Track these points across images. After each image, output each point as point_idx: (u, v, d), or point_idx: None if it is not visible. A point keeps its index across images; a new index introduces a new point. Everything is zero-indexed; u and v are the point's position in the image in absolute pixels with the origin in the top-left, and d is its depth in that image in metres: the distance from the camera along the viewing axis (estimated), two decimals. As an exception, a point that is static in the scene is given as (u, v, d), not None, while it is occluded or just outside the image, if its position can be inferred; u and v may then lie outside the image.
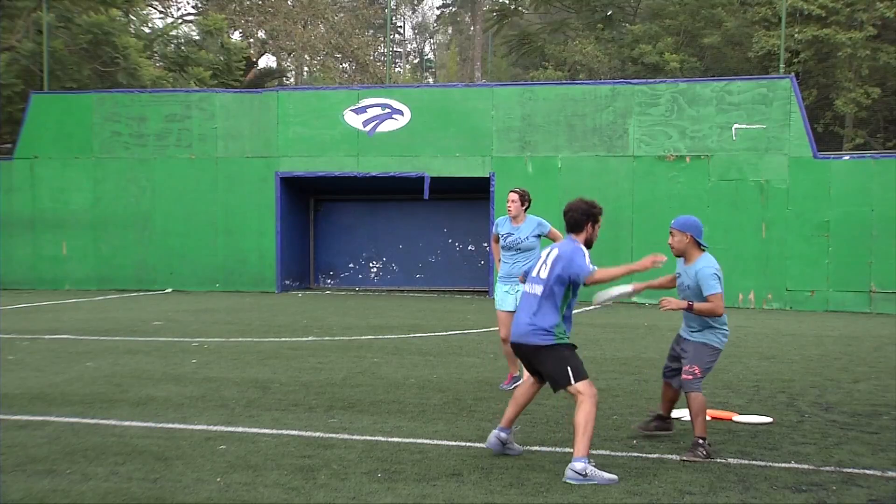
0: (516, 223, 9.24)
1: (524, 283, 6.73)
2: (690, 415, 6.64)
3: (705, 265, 6.71)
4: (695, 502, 5.50)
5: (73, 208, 22.59)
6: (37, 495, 5.45)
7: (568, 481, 5.81)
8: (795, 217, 19.53)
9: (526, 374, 6.68)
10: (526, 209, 9.30)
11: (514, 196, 9.28)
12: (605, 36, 36.35)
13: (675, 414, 7.41)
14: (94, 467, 6.07)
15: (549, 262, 6.37)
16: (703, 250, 6.85)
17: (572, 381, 6.15)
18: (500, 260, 9.36)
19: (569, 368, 6.19)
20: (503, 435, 6.49)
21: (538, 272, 6.43)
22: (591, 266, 6.24)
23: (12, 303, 18.65)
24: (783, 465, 6.35)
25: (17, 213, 22.70)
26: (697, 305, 6.62)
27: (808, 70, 31.36)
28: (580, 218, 6.46)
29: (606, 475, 5.86)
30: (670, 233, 6.87)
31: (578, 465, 5.83)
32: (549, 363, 6.26)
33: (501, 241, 9.31)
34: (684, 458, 6.44)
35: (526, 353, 6.40)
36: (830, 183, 19.44)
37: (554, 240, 8.99)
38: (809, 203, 19.49)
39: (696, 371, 6.67)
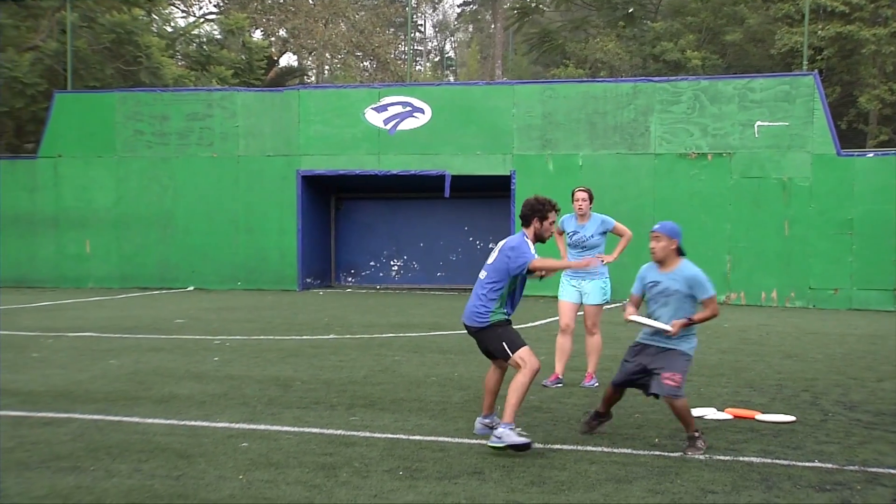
0: (582, 221, 9.36)
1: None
2: (680, 419, 6.60)
3: (696, 270, 6.68)
4: (717, 501, 5.47)
5: (96, 207, 22.74)
6: (61, 492, 5.49)
7: (489, 444, 6.43)
8: (818, 215, 19.39)
9: (493, 363, 7.08)
10: (590, 207, 9.47)
11: (584, 195, 9.46)
12: (627, 33, 36.24)
13: (696, 413, 7.38)
14: (117, 464, 6.10)
15: (496, 252, 6.91)
16: (682, 257, 6.79)
17: (510, 353, 6.68)
18: (566, 254, 9.60)
19: (503, 343, 6.71)
20: (486, 420, 7.00)
21: (489, 259, 6.95)
22: (533, 255, 6.71)
23: (36, 300, 18.80)
24: (807, 464, 6.30)
25: (42, 212, 22.88)
26: (697, 317, 6.61)
27: (831, 67, 31.15)
28: (526, 213, 6.95)
29: (518, 438, 6.36)
30: (654, 237, 6.76)
31: (499, 430, 6.43)
32: (488, 341, 6.80)
33: (567, 239, 9.55)
34: (688, 453, 6.48)
35: (470, 333, 6.94)
36: (854, 180, 19.30)
37: (619, 234, 9.26)
38: (833, 201, 19.35)
39: (678, 378, 6.53)
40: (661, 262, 6.80)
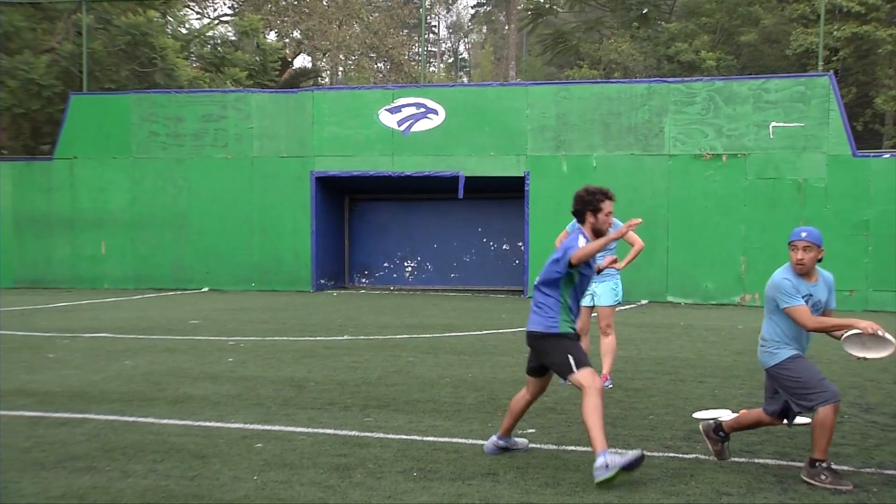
0: None
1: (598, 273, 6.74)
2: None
3: (831, 276, 6.18)
4: (732, 503, 5.45)
5: (112, 208, 22.85)
6: (77, 492, 5.52)
7: (598, 478, 5.65)
8: (834, 216, 19.31)
9: (528, 382, 6.52)
10: None
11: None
12: (641, 34, 36.15)
13: (711, 414, 7.36)
14: (132, 464, 6.12)
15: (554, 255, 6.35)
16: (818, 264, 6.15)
17: (574, 369, 6.00)
18: None
19: (569, 356, 6.06)
20: (501, 442, 6.51)
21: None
22: (575, 247, 6.11)
23: (53, 301, 18.89)
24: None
25: (57, 213, 23.00)
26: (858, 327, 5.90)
27: (847, 67, 31.02)
28: (578, 208, 6.39)
29: (629, 456, 5.68)
30: (803, 247, 5.95)
31: (599, 461, 5.67)
32: (551, 352, 6.17)
33: None
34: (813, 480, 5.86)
35: (531, 342, 6.31)
36: (870, 181, 19.22)
37: (631, 243, 9.20)
38: (848, 202, 19.28)
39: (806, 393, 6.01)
40: (807, 274, 6.05)
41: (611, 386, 9.11)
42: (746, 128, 19.92)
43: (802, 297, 5.96)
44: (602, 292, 9.32)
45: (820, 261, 6.06)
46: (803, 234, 5.97)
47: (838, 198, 19.34)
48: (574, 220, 9.51)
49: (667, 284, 19.97)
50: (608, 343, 9.38)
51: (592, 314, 9.48)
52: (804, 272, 6.02)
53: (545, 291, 6.25)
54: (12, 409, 7.86)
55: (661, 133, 20.39)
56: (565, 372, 6.05)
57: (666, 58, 34.54)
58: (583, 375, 5.96)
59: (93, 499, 5.40)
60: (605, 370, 9.31)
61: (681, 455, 6.52)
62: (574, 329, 6.24)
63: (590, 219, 6.32)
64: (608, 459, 5.64)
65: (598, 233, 6.31)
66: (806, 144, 19.57)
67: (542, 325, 6.18)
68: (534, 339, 6.26)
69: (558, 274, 6.17)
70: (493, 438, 6.56)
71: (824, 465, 5.78)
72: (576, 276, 6.23)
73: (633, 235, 9.37)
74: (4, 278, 23.02)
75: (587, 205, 6.32)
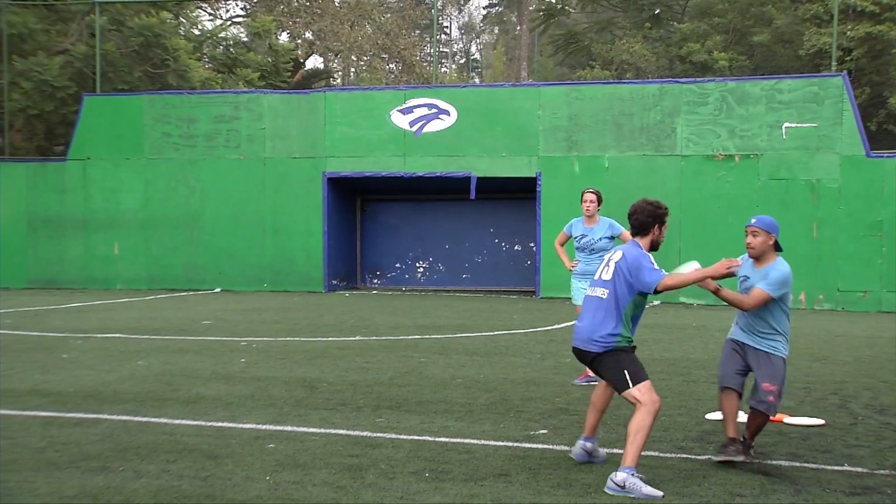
0: (590, 224, 9.38)
1: None
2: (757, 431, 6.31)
3: (782, 267, 6.26)
4: (745, 505, 5.44)
5: (124, 209, 22.93)
6: (91, 492, 5.54)
7: (607, 490, 5.62)
8: (847, 216, 19.24)
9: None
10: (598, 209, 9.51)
11: (592, 196, 9.47)
12: (653, 35, 36.07)
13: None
14: (145, 465, 6.14)
15: (612, 266, 6.08)
16: (778, 254, 6.40)
17: (630, 385, 5.83)
18: (567, 258, 9.69)
19: (625, 371, 5.88)
20: (588, 445, 6.33)
21: (600, 275, 6.16)
22: (660, 272, 5.91)
23: (66, 302, 18.97)
24: (836, 467, 6.25)
25: (71, 214, 23.09)
26: (726, 292, 6.18)
27: (860, 67, 30.86)
28: (646, 220, 6.12)
29: (648, 490, 5.55)
30: (752, 232, 6.30)
31: (620, 475, 5.59)
32: (606, 368, 5.99)
33: (576, 243, 9.59)
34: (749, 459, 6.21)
35: (585, 359, 6.13)
36: (884, 182, 19.14)
37: (625, 242, 9.05)
38: (862, 202, 19.20)
39: (774, 389, 6.19)
40: (757, 259, 6.36)
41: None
42: (759, 128, 19.86)
43: (739, 277, 6.41)
44: None
45: (777, 248, 6.35)
46: (752, 220, 6.37)
47: (852, 198, 19.27)
48: (579, 222, 9.54)
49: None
50: None
51: None
52: (753, 256, 6.36)
53: (615, 302, 5.98)
54: (26, 410, 7.89)
55: (674, 134, 20.35)
56: (622, 389, 5.89)
57: (678, 58, 34.46)
58: (638, 390, 5.83)
59: (106, 499, 5.42)
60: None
61: (693, 456, 6.50)
62: (631, 340, 6.06)
63: (654, 231, 6.15)
64: (629, 482, 5.56)
65: (654, 245, 6.17)
66: (819, 145, 19.49)
67: (596, 346, 5.97)
68: (587, 358, 6.09)
69: (645, 289, 5.95)
70: (581, 442, 6.37)
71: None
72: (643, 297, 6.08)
73: (628, 235, 9.25)
74: (18, 279, 23.13)
75: (657, 218, 6.14)
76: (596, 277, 6.22)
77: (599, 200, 9.49)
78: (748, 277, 6.36)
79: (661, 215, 6.16)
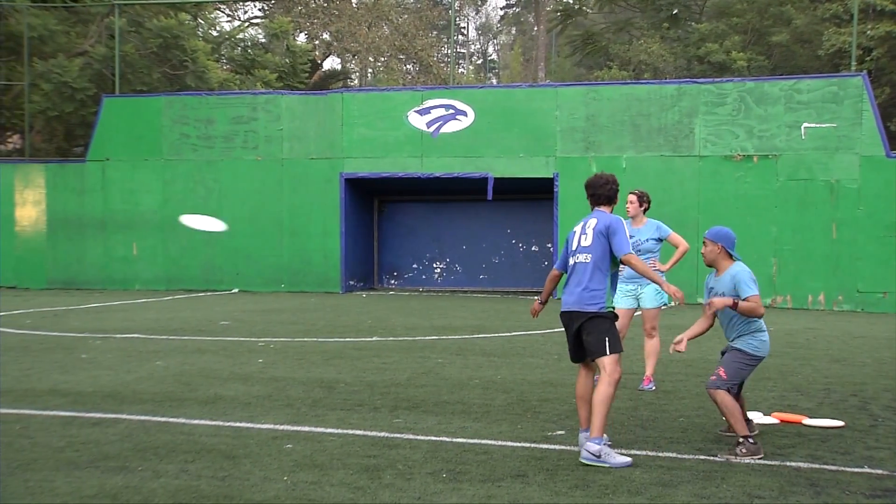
0: (636, 225, 9.34)
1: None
2: (724, 416, 6.73)
3: (740, 269, 6.84)
4: (764, 507, 5.41)
5: (143, 209, 23.04)
6: (110, 491, 5.56)
7: (582, 461, 6.14)
8: (867, 217, 19.12)
9: (580, 370, 6.76)
10: (645, 210, 9.41)
11: (632, 197, 9.46)
12: (671, 35, 35.93)
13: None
14: (164, 465, 6.17)
15: (589, 232, 6.59)
16: (734, 260, 6.96)
17: (607, 353, 6.37)
18: None
19: (606, 339, 6.40)
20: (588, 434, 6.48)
21: (579, 242, 6.64)
22: (629, 247, 6.53)
23: (85, 302, 19.08)
24: (856, 469, 6.21)
25: (90, 215, 23.22)
26: (742, 304, 6.68)
27: (881, 67, 30.63)
28: (615, 191, 6.81)
29: (620, 458, 6.14)
30: (703, 243, 7.00)
31: (594, 446, 6.14)
32: (593, 330, 6.45)
33: None
34: (727, 457, 6.46)
35: (575, 321, 6.53)
36: (903, 182, 19.01)
37: (675, 245, 9.13)
38: (881, 203, 19.07)
39: (721, 372, 6.75)
40: (714, 268, 7.01)
41: (654, 388, 9.07)
42: (778, 129, 19.77)
43: (708, 289, 7.05)
44: (646, 294, 9.29)
45: (732, 256, 6.91)
46: (706, 232, 7.07)
47: (871, 199, 19.14)
48: (654, 227, 9.42)
49: (697, 286, 19.81)
50: (652, 345, 9.34)
51: (636, 313, 9.47)
52: (706, 264, 7.04)
53: (598, 262, 6.55)
54: (46, 409, 7.94)
55: (692, 134, 20.28)
56: (597, 354, 6.42)
57: (696, 58, 34.32)
58: (611, 359, 6.40)
59: (125, 498, 5.44)
60: (649, 372, 9.26)
61: (711, 458, 6.47)
62: (612, 309, 6.68)
63: (615, 202, 6.85)
64: (604, 451, 6.14)
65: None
66: (839, 145, 19.38)
67: (589, 305, 6.49)
68: (578, 320, 6.53)
69: (619, 250, 6.55)
70: (583, 435, 6.50)
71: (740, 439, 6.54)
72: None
73: (676, 237, 9.36)
74: (38, 279, 23.28)
75: (618, 190, 6.85)
76: (574, 247, 6.68)
77: (641, 201, 9.42)
78: (712, 288, 6.99)
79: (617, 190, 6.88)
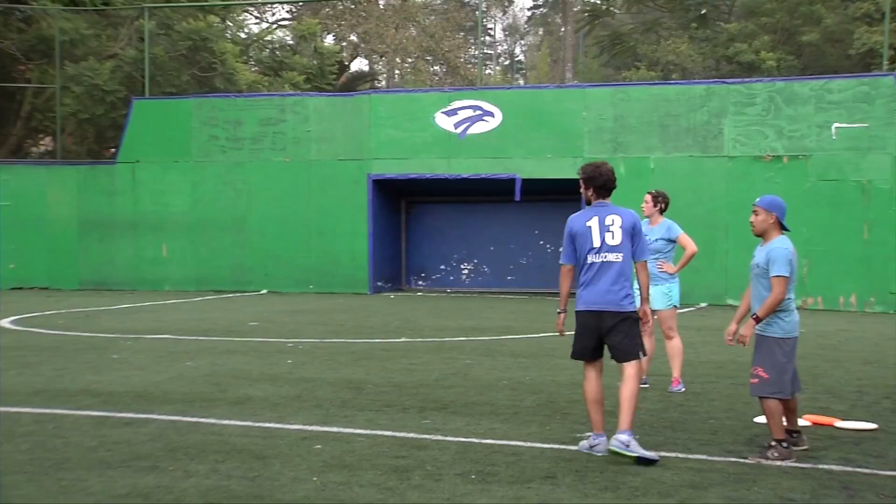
0: (653, 224, 9.33)
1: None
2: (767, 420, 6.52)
3: (780, 245, 6.52)
4: (796, 510, 5.37)
5: (173, 211, 23.19)
6: (142, 491, 5.60)
7: (611, 448, 6.25)
8: (900, 218, 18.92)
9: (588, 371, 6.67)
10: (661, 210, 9.40)
11: (647, 197, 9.49)
12: (699, 35, 35.73)
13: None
14: (195, 465, 6.21)
15: (618, 230, 6.54)
16: (783, 233, 6.64)
17: (639, 356, 6.46)
18: None
19: (637, 341, 6.48)
20: (598, 440, 6.57)
21: (604, 240, 6.55)
22: (647, 254, 6.73)
23: (116, 303, 19.24)
24: (890, 472, 6.14)
25: (120, 216, 23.40)
26: (760, 312, 6.45)
27: (912, 67, 30.33)
28: (614, 182, 6.86)
29: (647, 452, 6.21)
30: (753, 211, 6.71)
31: (624, 437, 6.22)
32: (625, 333, 6.43)
33: None
34: (757, 458, 6.37)
35: (607, 320, 6.45)
36: (937, 182, 18.79)
37: (683, 247, 9.09)
38: (914, 203, 18.87)
39: (759, 372, 6.49)
40: (761, 238, 6.71)
41: (684, 389, 9.02)
42: (808, 129, 19.60)
43: (753, 263, 6.68)
44: (654, 296, 9.24)
45: (783, 227, 6.61)
46: (756, 199, 6.77)
47: (904, 199, 18.94)
48: (665, 228, 9.38)
49: (726, 287, 19.70)
50: (673, 346, 9.28)
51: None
52: (755, 234, 6.75)
53: (627, 263, 6.57)
54: (79, 409, 8.02)
55: (721, 135, 20.16)
56: (630, 358, 6.44)
57: (725, 59, 34.12)
58: (642, 364, 6.62)
59: (157, 498, 5.48)
60: (676, 373, 9.18)
61: (742, 460, 6.43)
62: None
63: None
64: (633, 444, 6.20)
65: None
66: (870, 145, 19.19)
67: (624, 305, 6.48)
68: (610, 320, 6.47)
69: (639, 256, 6.68)
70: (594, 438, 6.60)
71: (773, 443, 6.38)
72: None
73: (685, 239, 9.30)
74: (69, 280, 23.50)
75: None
76: (598, 245, 6.57)
77: (656, 201, 9.41)
78: (757, 263, 6.63)
79: None
